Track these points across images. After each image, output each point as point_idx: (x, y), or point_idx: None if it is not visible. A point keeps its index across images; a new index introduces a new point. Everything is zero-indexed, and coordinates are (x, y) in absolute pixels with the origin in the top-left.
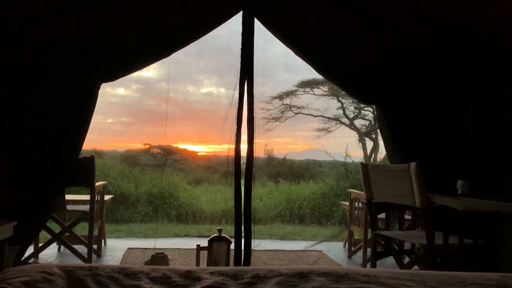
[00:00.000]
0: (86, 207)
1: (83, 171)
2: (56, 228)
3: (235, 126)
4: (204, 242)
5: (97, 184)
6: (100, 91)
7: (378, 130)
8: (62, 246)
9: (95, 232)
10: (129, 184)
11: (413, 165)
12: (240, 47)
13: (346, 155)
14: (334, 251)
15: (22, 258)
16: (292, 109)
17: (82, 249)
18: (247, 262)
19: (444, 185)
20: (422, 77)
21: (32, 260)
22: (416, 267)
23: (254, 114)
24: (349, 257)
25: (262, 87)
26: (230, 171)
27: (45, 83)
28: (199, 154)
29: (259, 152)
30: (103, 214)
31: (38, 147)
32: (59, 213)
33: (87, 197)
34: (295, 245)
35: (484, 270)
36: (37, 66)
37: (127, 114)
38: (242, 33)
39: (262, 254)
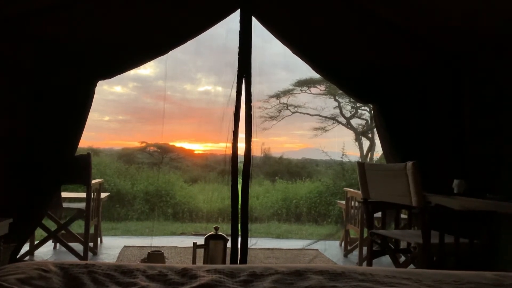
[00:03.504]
0: (82, 205)
1: (79, 168)
2: (52, 226)
3: (232, 125)
4: (200, 240)
5: (93, 182)
6: (96, 89)
7: (375, 130)
8: (58, 244)
9: (91, 230)
10: (125, 182)
11: (409, 164)
12: (238, 45)
13: (343, 154)
14: (330, 250)
15: (18, 256)
16: (289, 108)
17: (78, 247)
18: (244, 261)
19: (440, 184)
20: (419, 77)
21: (27, 257)
22: (412, 266)
23: (252, 113)
24: (345, 256)
25: (260, 86)
26: (227, 170)
27: (42, 80)
28: (196, 152)
29: (256, 151)
30: (99, 212)
31: (34, 144)
32: (55, 211)
33: (83, 194)
34: (291, 244)
35: (479, 269)
36: (34, 63)
37: (124, 112)
38: (240, 32)
39: (258, 252)
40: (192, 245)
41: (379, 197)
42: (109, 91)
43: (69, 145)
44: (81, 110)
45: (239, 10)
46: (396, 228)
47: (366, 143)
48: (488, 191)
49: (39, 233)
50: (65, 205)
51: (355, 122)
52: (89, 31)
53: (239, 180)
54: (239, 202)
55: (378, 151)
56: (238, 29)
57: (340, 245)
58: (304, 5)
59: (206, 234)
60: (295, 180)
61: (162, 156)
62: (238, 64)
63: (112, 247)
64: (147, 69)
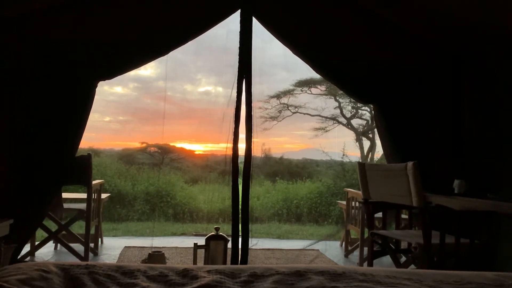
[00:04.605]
0: (83, 206)
1: (80, 169)
2: (53, 227)
3: (232, 125)
4: (201, 241)
5: (94, 182)
6: (97, 90)
7: (375, 130)
8: (58, 245)
9: (92, 231)
10: (126, 183)
11: (410, 164)
12: (238, 46)
13: (343, 155)
14: (331, 250)
15: (19, 256)
16: (289, 108)
17: (78, 247)
18: (244, 261)
19: (440, 184)
20: (419, 77)
21: (28, 258)
22: (412, 266)
23: (252, 113)
24: (346, 256)
25: (260, 86)
26: (227, 170)
27: (42, 81)
28: (196, 153)
29: (257, 151)
30: (100, 213)
31: (35, 145)
32: (55, 212)
33: (84, 195)
34: (292, 244)
35: (480, 269)
36: (34, 64)
37: (125, 112)
38: (240, 32)
39: (259, 253)
40: (192, 245)
41: (379, 197)
42: (109, 92)
43: (69, 146)
44: (81, 110)
45: (239, 10)
46: (396, 228)
47: (366, 143)
48: (488, 191)
49: (40, 233)
50: (65, 205)
51: (355, 122)
52: (89, 32)
53: (240, 181)
54: (240, 203)
55: (379, 151)
56: (239, 29)
57: (341, 245)
58: (304, 5)
59: (206, 235)
60: (296, 181)
61: (163, 157)
62: (239, 65)
63: (113, 247)
64: (148, 70)
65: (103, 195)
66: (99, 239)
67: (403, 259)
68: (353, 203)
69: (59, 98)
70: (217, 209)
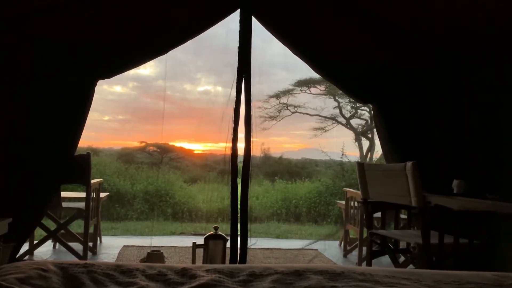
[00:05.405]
0: (81, 205)
1: (79, 168)
2: (52, 225)
3: (232, 125)
4: (200, 240)
5: (93, 181)
6: (96, 89)
7: (375, 130)
8: (57, 244)
9: (91, 230)
10: (125, 182)
11: (409, 164)
12: (238, 45)
13: (343, 154)
14: (330, 250)
15: (17, 255)
16: (289, 108)
17: (77, 246)
18: (243, 260)
19: (440, 184)
20: (419, 77)
21: (27, 257)
22: (411, 266)
23: (251, 113)
24: (345, 256)
25: (259, 86)
26: (226, 170)
27: (42, 80)
28: (195, 152)
29: (256, 150)
30: (98, 212)
31: (34, 144)
32: (54, 210)
33: (82, 194)
34: (291, 244)
35: (479, 269)
36: (34, 64)
37: (124, 111)
38: (240, 32)
39: (258, 252)
40: (191, 245)
41: (378, 197)
42: (108, 91)
43: (68, 145)
44: (80, 109)
45: (239, 10)
46: (395, 228)
47: (365, 143)
48: (488, 191)
49: (39, 232)
50: (64, 204)
51: (354, 122)
52: (89, 31)
53: (239, 180)
54: (239, 202)
55: (378, 151)
56: (238, 29)
57: (340, 245)
58: (304, 5)
59: (205, 234)
60: (295, 180)
61: (162, 156)
62: (238, 64)
63: (112, 246)
64: (147, 69)
65: (102, 194)
66: (98, 238)
67: (402, 259)
68: (352, 203)
69: (58, 97)
70: (216, 208)
